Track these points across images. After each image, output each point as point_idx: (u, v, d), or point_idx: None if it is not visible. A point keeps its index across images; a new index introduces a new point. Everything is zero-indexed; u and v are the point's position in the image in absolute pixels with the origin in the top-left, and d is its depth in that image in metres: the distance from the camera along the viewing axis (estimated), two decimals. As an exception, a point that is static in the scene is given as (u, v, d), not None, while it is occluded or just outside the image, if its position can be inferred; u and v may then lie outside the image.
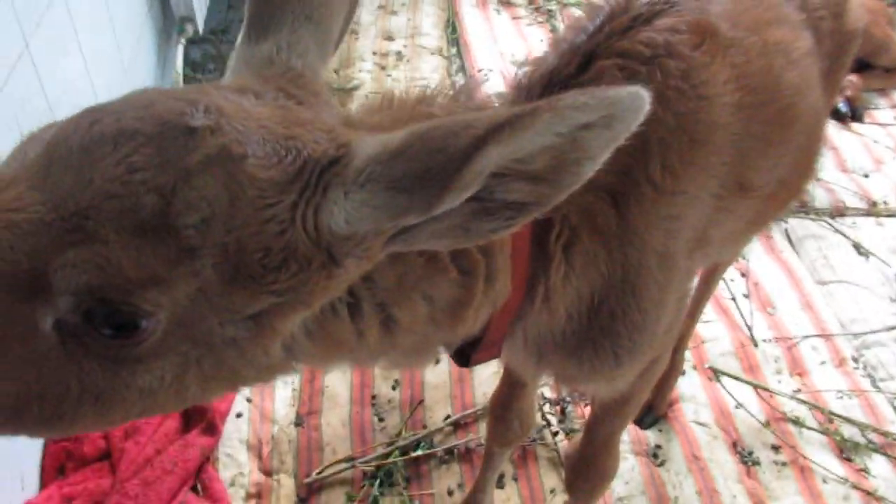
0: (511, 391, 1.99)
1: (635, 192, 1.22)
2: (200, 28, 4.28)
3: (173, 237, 0.79)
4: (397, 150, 0.81)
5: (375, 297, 1.00)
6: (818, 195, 3.39)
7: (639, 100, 0.72)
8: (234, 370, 0.91)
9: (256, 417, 2.47)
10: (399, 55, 4.49)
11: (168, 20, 3.98)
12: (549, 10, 4.89)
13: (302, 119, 0.90)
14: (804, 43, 1.53)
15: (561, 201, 1.12)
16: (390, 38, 4.65)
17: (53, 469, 2.20)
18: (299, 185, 0.85)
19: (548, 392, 2.56)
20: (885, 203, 3.40)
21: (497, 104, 1.21)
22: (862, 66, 4.04)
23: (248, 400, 2.52)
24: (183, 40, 4.06)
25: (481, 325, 1.15)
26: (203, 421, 2.31)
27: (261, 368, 0.94)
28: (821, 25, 1.61)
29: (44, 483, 2.18)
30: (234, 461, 2.34)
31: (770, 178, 1.49)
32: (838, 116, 3.88)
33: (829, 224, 3.26)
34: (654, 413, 2.51)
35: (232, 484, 2.29)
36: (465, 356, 1.24)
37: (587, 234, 1.20)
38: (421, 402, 2.53)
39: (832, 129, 3.84)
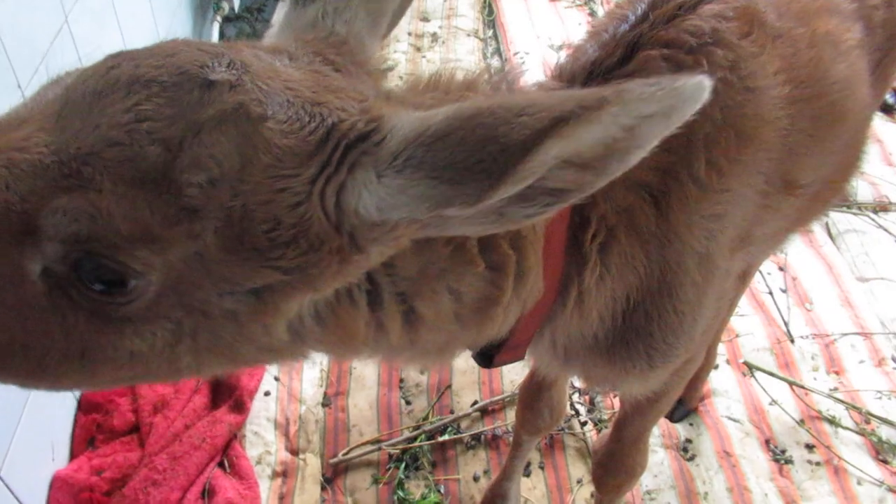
0: (542, 380, 1.96)
1: (678, 191, 1.16)
2: (236, 6, 4.28)
3: (174, 194, 0.75)
4: (440, 132, 0.75)
5: (396, 287, 0.94)
6: (861, 189, 3.29)
7: (701, 90, 0.67)
8: (231, 346, 0.86)
9: (284, 396, 2.47)
10: (434, 36, 4.44)
11: (205, -2, 3.98)
12: (589, -6, 4.81)
13: (334, 86, 0.85)
14: (854, 34, 1.45)
15: (599, 201, 1.09)
16: (426, 19, 4.61)
17: (83, 441, 2.22)
18: (321, 159, 0.80)
19: (577, 381, 2.52)
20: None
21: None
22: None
23: (276, 379, 2.52)
24: (219, 18, 4.06)
25: (509, 326, 1.09)
26: (231, 398, 2.31)
27: (262, 348, 0.89)
28: (872, 16, 1.54)
29: (74, 454, 2.20)
30: (262, 439, 2.34)
31: (817, 176, 1.43)
32: (885, 108, 3.77)
33: (872, 219, 3.17)
34: (686, 406, 2.46)
35: (258, 462, 2.29)
36: (488, 357, 1.19)
37: (625, 235, 1.14)
38: (448, 386, 2.52)
39: (878, 121, 3.72)
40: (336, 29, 0.95)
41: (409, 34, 4.45)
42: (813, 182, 1.42)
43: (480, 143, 0.72)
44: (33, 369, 0.82)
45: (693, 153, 1.16)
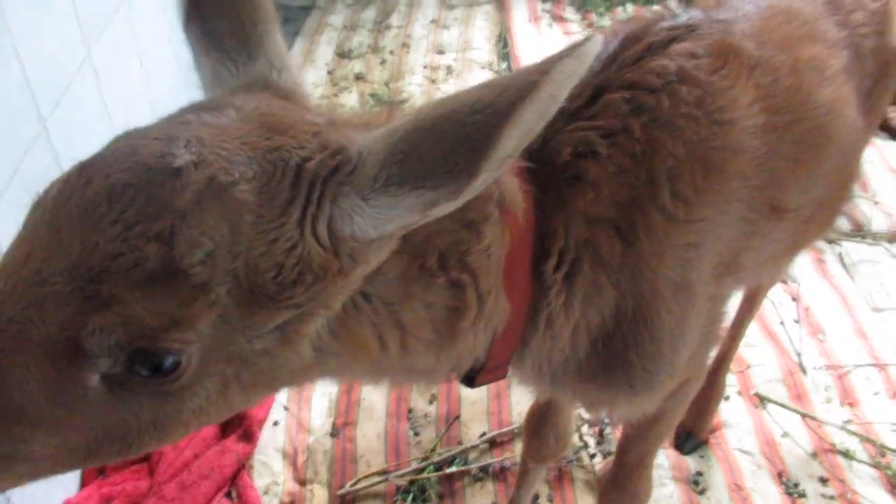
0: (548, 406, 1.97)
1: (644, 223, 1.19)
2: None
3: (183, 277, 0.81)
4: (409, 148, 0.82)
5: (381, 293, 1.01)
6: (876, 219, 3.27)
7: (596, 44, 0.79)
8: (270, 376, 0.95)
9: (293, 426, 2.49)
10: (449, 69, 4.51)
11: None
12: (602, 27, 4.86)
13: (284, 124, 0.91)
14: (839, 60, 1.47)
15: (560, 234, 1.16)
16: (441, 52, 4.68)
17: (93, 469, 2.24)
18: (300, 202, 0.86)
19: (586, 413, 2.51)
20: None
21: None
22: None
23: (286, 408, 2.54)
24: (238, 52, 4.14)
25: (484, 345, 1.15)
26: (240, 427, 2.33)
27: (295, 370, 0.98)
28: (862, 43, 1.56)
29: (84, 482, 2.23)
30: (269, 469, 2.35)
31: (805, 200, 1.44)
32: (899, 137, 3.75)
33: (887, 249, 3.14)
34: (696, 438, 2.44)
35: (266, 492, 2.30)
36: (470, 378, 1.23)
37: (590, 266, 1.18)
38: (457, 417, 2.52)
39: (892, 149, 3.71)
40: (283, 77, 1.03)
41: (425, 67, 4.52)
42: (803, 205, 1.44)
43: (451, 148, 0.80)
44: (118, 451, 0.91)
45: (657, 187, 1.19)
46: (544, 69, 0.76)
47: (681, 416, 1.68)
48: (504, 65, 4.54)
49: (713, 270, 1.31)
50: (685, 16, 1.36)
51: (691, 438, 2.44)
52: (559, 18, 5.00)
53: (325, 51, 4.74)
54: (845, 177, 1.63)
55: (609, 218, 1.18)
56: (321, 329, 0.97)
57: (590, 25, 4.92)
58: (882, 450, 2.42)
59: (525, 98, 0.76)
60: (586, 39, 0.78)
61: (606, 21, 4.97)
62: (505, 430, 2.47)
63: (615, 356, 1.25)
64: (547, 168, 1.17)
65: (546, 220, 1.15)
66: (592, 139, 1.18)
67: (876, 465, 2.38)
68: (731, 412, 2.54)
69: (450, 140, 0.80)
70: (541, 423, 1.99)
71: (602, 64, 1.26)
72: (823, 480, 2.36)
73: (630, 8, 5.08)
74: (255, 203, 0.85)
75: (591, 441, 2.46)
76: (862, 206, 3.34)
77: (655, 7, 1.40)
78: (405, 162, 0.83)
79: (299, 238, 0.86)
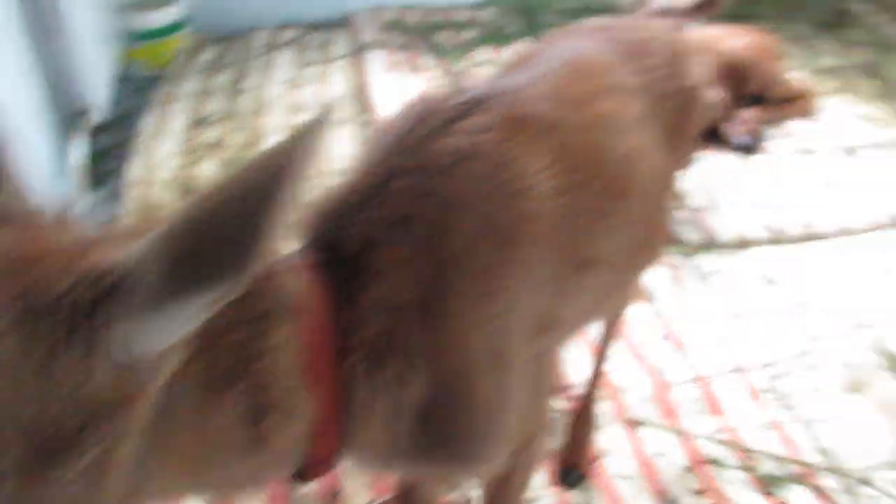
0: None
1: (445, 303, 1.18)
2: (101, 117, 4.25)
3: None
4: (183, 252, 0.77)
5: (181, 403, 0.95)
6: (723, 229, 3.46)
7: (327, 112, 0.81)
8: None
9: (162, 526, 2.35)
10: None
11: (64, 112, 3.92)
12: (460, 72, 4.98)
13: (32, 259, 0.83)
14: (636, 107, 1.54)
15: (359, 328, 1.13)
16: (299, 111, 4.65)
17: None
18: (71, 338, 0.79)
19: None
20: (789, 232, 3.48)
21: None
22: (758, 100, 4.20)
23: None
24: (84, 131, 4.01)
25: (299, 443, 1.11)
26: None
27: (121, 501, 0.91)
28: (660, 87, 1.64)
29: None
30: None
31: (614, 248, 1.48)
32: (740, 149, 4.01)
33: (735, 256, 3.32)
34: (578, 471, 2.47)
35: None
36: (301, 474, 1.19)
37: (393, 354, 1.15)
38: (338, 492, 2.45)
39: (734, 161, 3.95)
40: (29, 211, 0.94)
41: (284, 128, 4.48)
42: (613, 253, 1.48)
43: (226, 241, 0.76)
44: None
45: (453, 266, 1.18)
46: (295, 149, 0.76)
47: (534, 469, 1.68)
48: (365, 117, 4.56)
49: (529, 332, 1.31)
50: (473, 90, 1.38)
51: (573, 472, 2.46)
52: (415, 67, 5.08)
53: (178, 120, 4.63)
54: (655, 218, 1.69)
55: (408, 304, 1.16)
56: (131, 454, 0.90)
57: (447, 71, 5.03)
58: (748, 453, 2.51)
59: (288, 179, 0.75)
60: (316, 117, 0.79)
61: (462, 65, 5.09)
62: (390, 496, 2.42)
63: (438, 434, 1.23)
64: (341, 260, 1.16)
65: (345, 313, 1.14)
66: (384, 228, 1.18)
67: (745, 468, 2.47)
68: (608, 439, 2.59)
69: (223, 233, 0.76)
70: (408, 490, 1.95)
71: (391, 150, 1.26)
72: (699, 493, 2.42)
73: (483, 50, 5.23)
74: (19, 356, 0.77)
75: (475, 494, 2.44)
76: (709, 219, 3.52)
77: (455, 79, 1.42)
78: (182, 267, 0.78)
79: (81, 377, 0.79)
